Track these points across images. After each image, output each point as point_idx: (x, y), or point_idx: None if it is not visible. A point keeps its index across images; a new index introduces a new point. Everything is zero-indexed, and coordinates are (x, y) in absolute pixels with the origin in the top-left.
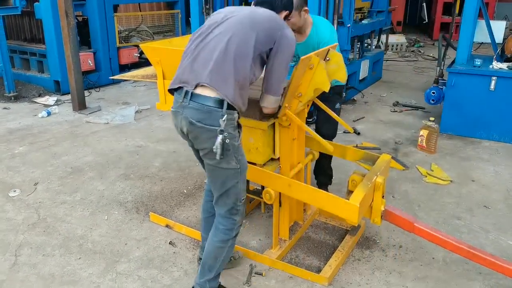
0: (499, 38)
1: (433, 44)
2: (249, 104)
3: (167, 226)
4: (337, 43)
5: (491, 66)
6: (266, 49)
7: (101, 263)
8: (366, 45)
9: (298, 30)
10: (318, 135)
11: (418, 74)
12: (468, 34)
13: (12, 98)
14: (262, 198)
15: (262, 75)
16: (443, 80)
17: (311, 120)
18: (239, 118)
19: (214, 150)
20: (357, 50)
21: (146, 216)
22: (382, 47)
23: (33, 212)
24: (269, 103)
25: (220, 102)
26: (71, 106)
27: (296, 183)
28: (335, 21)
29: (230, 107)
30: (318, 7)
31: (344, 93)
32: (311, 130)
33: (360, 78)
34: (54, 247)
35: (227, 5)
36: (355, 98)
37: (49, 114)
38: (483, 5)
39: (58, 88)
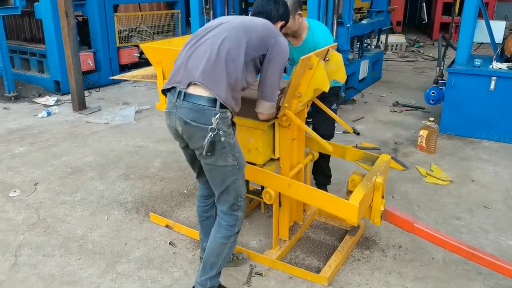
0: (498, 38)
1: (433, 44)
2: (249, 104)
3: (167, 226)
4: (336, 44)
5: (490, 66)
6: (259, 54)
7: (101, 264)
8: (365, 45)
9: (293, 34)
10: (317, 135)
11: (418, 74)
12: (467, 34)
13: (12, 98)
14: (262, 198)
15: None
16: (443, 80)
17: (310, 120)
18: (232, 117)
19: (203, 145)
20: (357, 50)
21: (146, 217)
22: (382, 47)
23: (33, 212)
24: (264, 109)
25: (213, 101)
26: (71, 106)
27: (296, 183)
28: (335, 21)
29: (223, 106)
30: (318, 7)
31: (344, 93)
32: (310, 130)
33: (360, 78)
34: (54, 247)
35: (227, 5)
36: (354, 98)
37: (49, 114)
38: (482, 5)
39: (58, 88)
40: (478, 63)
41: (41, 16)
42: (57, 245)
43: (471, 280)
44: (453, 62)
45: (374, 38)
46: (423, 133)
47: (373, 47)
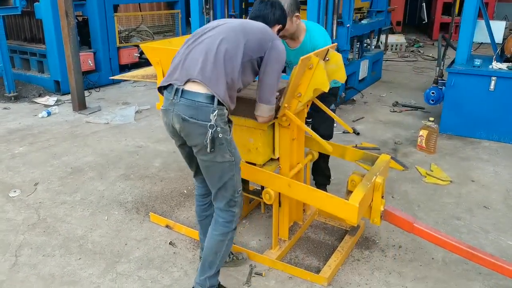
0: (498, 38)
1: (433, 44)
2: (249, 104)
3: (167, 226)
4: (336, 44)
5: (490, 66)
6: (256, 56)
7: (101, 264)
8: (365, 45)
9: (291, 37)
10: (317, 135)
11: (418, 74)
12: (467, 34)
13: (12, 98)
14: (261, 198)
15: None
16: (443, 80)
17: (310, 120)
18: (228, 114)
19: (205, 143)
20: (357, 50)
21: (146, 217)
22: (382, 47)
23: (33, 212)
24: (262, 112)
25: (211, 98)
26: (71, 106)
27: (296, 183)
28: (335, 21)
29: (220, 103)
30: (318, 7)
31: (343, 93)
32: (310, 130)
33: (360, 78)
34: (54, 247)
35: (227, 5)
36: (354, 98)
37: (49, 114)
38: (482, 5)
39: (58, 88)
40: (478, 63)
41: (41, 16)
42: (57, 245)
43: (471, 280)
44: (453, 62)
45: (374, 38)
46: (423, 133)
47: (373, 47)
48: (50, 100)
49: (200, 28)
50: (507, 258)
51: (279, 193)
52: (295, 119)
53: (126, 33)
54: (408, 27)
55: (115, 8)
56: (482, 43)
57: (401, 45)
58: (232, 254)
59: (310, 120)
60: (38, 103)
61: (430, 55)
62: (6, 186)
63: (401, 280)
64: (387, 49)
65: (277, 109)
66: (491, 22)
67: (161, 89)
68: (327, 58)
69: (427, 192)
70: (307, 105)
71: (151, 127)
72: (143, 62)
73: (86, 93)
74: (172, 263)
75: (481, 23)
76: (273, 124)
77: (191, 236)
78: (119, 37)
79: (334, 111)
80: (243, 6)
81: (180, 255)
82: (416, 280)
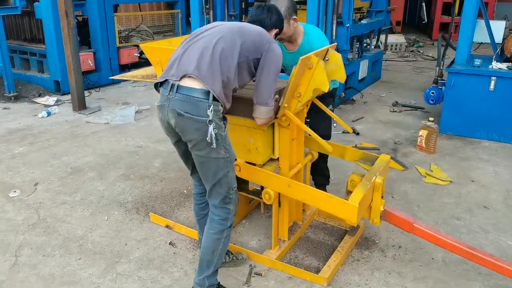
0: (498, 38)
1: (433, 44)
2: (249, 104)
3: (167, 226)
4: (336, 44)
5: (490, 66)
6: (253, 57)
7: (101, 264)
8: (365, 45)
9: (289, 39)
10: (317, 135)
11: (418, 74)
12: (467, 34)
13: (12, 98)
14: (261, 198)
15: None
16: (443, 80)
17: (308, 120)
18: (223, 112)
19: (208, 140)
20: (356, 50)
21: (146, 217)
22: (381, 47)
23: (33, 212)
24: (260, 114)
25: (206, 93)
26: (71, 106)
27: (295, 183)
28: (334, 21)
29: (215, 99)
30: (317, 7)
31: (343, 93)
32: (310, 130)
33: (359, 78)
34: (54, 247)
35: (227, 5)
36: (354, 98)
37: (49, 114)
38: (482, 5)
39: (58, 88)
40: (478, 63)
41: (41, 16)
42: (57, 245)
43: (471, 280)
44: (452, 62)
45: (373, 38)
46: (423, 133)
47: (372, 47)
48: (50, 100)
49: (198, 28)
50: (507, 258)
51: (279, 193)
52: (295, 119)
53: (126, 33)
54: (408, 27)
55: (115, 8)
56: (482, 43)
57: (400, 45)
58: (232, 254)
59: (308, 120)
60: (38, 103)
61: (430, 55)
62: (6, 186)
63: (401, 280)
64: (387, 49)
65: (277, 109)
66: (491, 22)
67: (157, 87)
68: (326, 58)
69: (427, 192)
70: (307, 105)
71: (151, 127)
72: (143, 62)
73: (86, 93)
74: (172, 263)
75: (481, 23)
76: (273, 124)
77: (191, 236)
78: (119, 37)
79: (331, 111)
80: (243, 6)
81: (180, 255)
82: (416, 280)
